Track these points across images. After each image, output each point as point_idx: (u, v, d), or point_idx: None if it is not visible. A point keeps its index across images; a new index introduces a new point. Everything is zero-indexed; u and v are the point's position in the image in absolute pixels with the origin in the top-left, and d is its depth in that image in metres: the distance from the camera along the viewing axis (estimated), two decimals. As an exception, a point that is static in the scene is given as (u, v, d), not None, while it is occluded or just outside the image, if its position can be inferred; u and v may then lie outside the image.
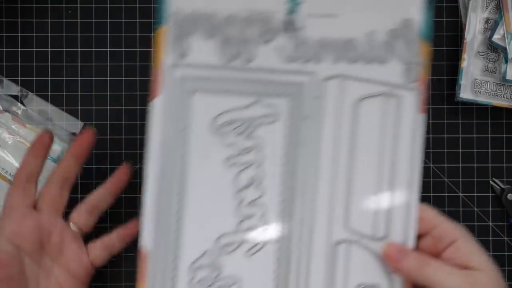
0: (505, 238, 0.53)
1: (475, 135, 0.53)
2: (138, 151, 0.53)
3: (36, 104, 0.53)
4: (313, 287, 0.40)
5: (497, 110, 0.53)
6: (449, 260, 0.39)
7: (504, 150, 0.53)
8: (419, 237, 0.40)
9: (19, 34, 0.53)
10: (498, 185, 0.53)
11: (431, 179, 0.53)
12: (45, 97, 0.53)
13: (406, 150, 0.40)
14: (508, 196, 0.52)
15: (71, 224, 0.46)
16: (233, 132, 0.40)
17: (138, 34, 0.53)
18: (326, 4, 0.40)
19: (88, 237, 0.48)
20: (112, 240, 0.47)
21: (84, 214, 0.46)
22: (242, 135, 0.40)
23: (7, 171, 0.52)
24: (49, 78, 0.53)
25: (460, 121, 0.53)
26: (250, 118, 0.40)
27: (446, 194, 0.53)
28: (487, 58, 0.52)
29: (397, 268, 0.39)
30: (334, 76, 0.40)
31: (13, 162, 0.52)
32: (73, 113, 0.53)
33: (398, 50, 0.40)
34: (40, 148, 0.45)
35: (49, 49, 0.53)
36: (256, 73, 0.40)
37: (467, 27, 0.51)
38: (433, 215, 0.41)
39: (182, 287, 0.40)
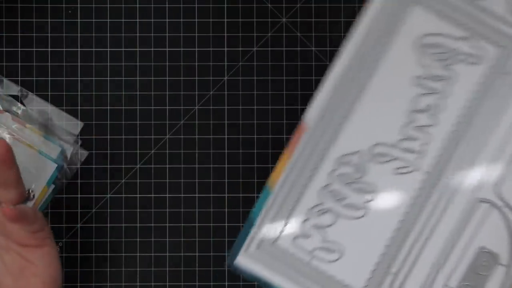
0: (505, 238, 0.53)
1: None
2: (138, 151, 0.53)
3: (36, 104, 0.53)
4: (438, 234, 0.40)
5: (497, 110, 0.53)
6: None
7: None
8: None
9: (19, 34, 0.53)
10: (498, 185, 0.53)
11: (431, 179, 0.53)
12: (45, 97, 0.53)
13: None
14: (508, 196, 0.52)
15: None
16: (433, 56, 0.41)
17: (138, 34, 0.53)
18: None
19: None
20: None
21: None
22: (441, 62, 0.41)
23: (7, 171, 0.52)
24: (49, 78, 0.53)
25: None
26: (455, 51, 0.41)
27: (446, 194, 0.53)
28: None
29: None
30: None
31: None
32: (73, 113, 0.53)
33: None
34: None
35: (49, 49, 0.53)
36: (481, 12, 0.41)
37: (467, 27, 0.51)
38: None
39: (322, 173, 0.41)
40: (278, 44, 0.53)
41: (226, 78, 0.53)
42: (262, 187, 0.53)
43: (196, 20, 0.53)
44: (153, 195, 0.53)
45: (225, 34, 0.53)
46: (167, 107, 0.53)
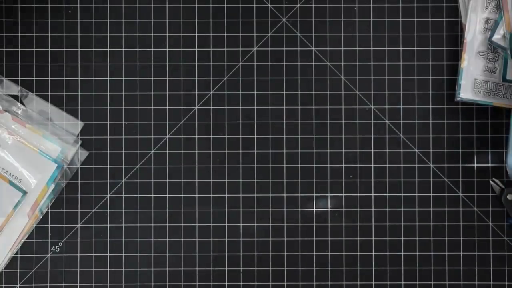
0: (505, 238, 0.53)
1: (475, 135, 0.53)
2: (138, 151, 0.53)
3: (36, 104, 0.53)
4: None
5: (497, 110, 0.53)
6: None
7: (504, 150, 0.53)
8: None
9: (19, 34, 0.53)
10: (498, 185, 0.53)
11: (431, 179, 0.53)
12: (45, 97, 0.53)
13: None
14: (508, 196, 0.52)
15: None
16: None
17: (138, 34, 0.53)
18: None
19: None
20: None
21: None
22: None
23: (7, 171, 0.52)
24: (49, 78, 0.53)
25: (460, 121, 0.53)
26: None
27: (446, 194, 0.53)
28: (487, 58, 0.52)
29: None
30: None
31: (13, 162, 0.52)
32: (73, 113, 0.53)
33: None
34: None
35: (49, 49, 0.53)
36: None
37: (467, 27, 0.51)
38: None
39: None
40: (278, 44, 0.53)
41: (226, 78, 0.53)
42: (262, 187, 0.53)
43: (196, 20, 0.53)
44: (153, 195, 0.53)
45: (225, 34, 0.53)
46: (167, 107, 0.53)
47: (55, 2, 0.53)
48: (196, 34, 0.53)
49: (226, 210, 0.53)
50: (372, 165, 0.53)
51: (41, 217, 0.52)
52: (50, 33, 0.53)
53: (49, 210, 0.53)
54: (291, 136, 0.53)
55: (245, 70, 0.53)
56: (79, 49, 0.53)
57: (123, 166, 0.53)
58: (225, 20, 0.53)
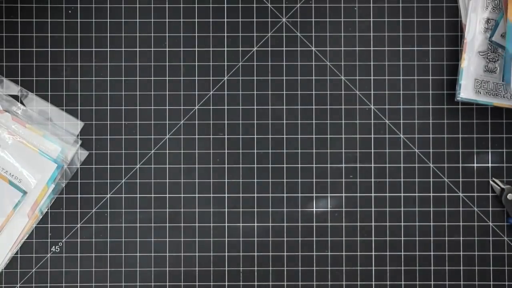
0: (505, 238, 0.53)
1: (475, 135, 0.53)
2: (138, 151, 0.53)
3: (36, 104, 0.53)
4: None
5: (497, 110, 0.53)
6: None
7: (504, 150, 0.53)
8: None
9: (19, 34, 0.53)
10: (498, 185, 0.53)
11: (431, 179, 0.53)
12: (45, 97, 0.53)
13: None
14: (508, 196, 0.52)
15: None
16: None
17: (138, 34, 0.53)
18: None
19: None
20: None
21: None
22: None
23: (7, 171, 0.52)
24: (49, 78, 0.53)
25: (460, 121, 0.53)
26: None
27: (446, 194, 0.53)
28: (487, 58, 0.52)
29: None
30: None
31: (13, 162, 0.52)
32: (73, 113, 0.53)
33: None
34: None
35: (49, 49, 0.53)
36: None
37: (467, 27, 0.51)
38: None
39: None
40: (278, 44, 0.53)
41: (226, 78, 0.53)
42: (262, 187, 0.53)
43: (196, 20, 0.53)
44: (153, 195, 0.53)
45: (225, 34, 0.53)
46: (167, 107, 0.53)
47: (55, 2, 0.53)
48: (196, 34, 0.53)
49: (226, 210, 0.53)
50: (372, 165, 0.53)
51: (41, 217, 0.52)
52: (50, 33, 0.53)
53: (49, 210, 0.53)
54: (291, 136, 0.53)
55: (245, 70, 0.53)
56: (79, 49, 0.53)
57: (123, 166, 0.53)
58: (225, 20, 0.53)
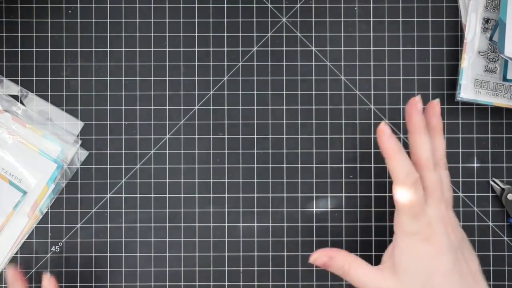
0: (505, 238, 0.53)
1: (475, 135, 0.53)
2: (138, 151, 0.53)
3: (36, 104, 0.53)
4: None
5: (497, 110, 0.53)
6: None
7: (504, 150, 0.53)
8: None
9: (19, 34, 0.53)
10: (498, 185, 0.53)
11: (431, 179, 0.53)
12: (45, 97, 0.53)
13: None
14: (508, 196, 0.52)
15: None
16: None
17: (138, 34, 0.53)
18: None
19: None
20: None
21: None
22: None
23: (7, 171, 0.52)
24: (49, 78, 0.53)
25: (460, 121, 0.53)
26: None
27: (446, 194, 0.53)
28: (487, 58, 0.52)
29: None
30: None
31: (13, 162, 0.52)
32: (73, 113, 0.53)
33: None
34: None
35: (49, 49, 0.53)
36: None
37: (467, 27, 0.51)
38: None
39: None
40: (278, 44, 0.53)
41: (226, 78, 0.53)
42: (262, 187, 0.53)
43: (196, 20, 0.53)
44: (153, 195, 0.53)
45: (225, 34, 0.53)
46: (167, 107, 0.53)
47: (55, 2, 0.53)
48: (196, 34, 0.53)
49: (226, 210, 0.53)
50: (372, 165, 0.53)
51: (41, 217, 0.52)
52: (50, 33, 0.53)
53: (49, 210, 0.53)
54: (291, 136, 0.53)
55: (245, 70, 0.53)
56: (79, 49, 0.53)
57: (123, 166, 0.53)
58: (225, 20, 0.53)
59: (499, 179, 0.53)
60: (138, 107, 0.53)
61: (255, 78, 0.53)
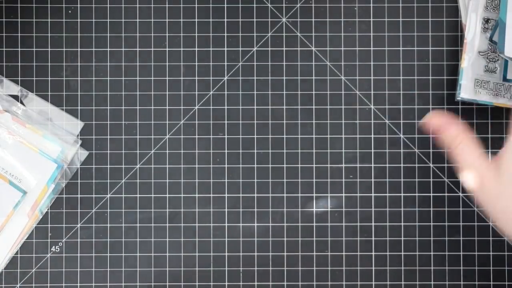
0: (505, 238, 0.53)
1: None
2: (138, 151, 0.53)
3: (36, 104, 0.53)
4: None
5: (497, 110, 0.53)
6: None
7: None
8: None
9: (19, 34, 0.53)
10: (498, 185, 0.53)
11: (431, 179, 0.53)
12: (45, 97, 0.53)
13: None
14: (508, 196, 0.52)
15: None
16: None
17: (138, 34, 0.53)
18: None
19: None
20: None
21: None
22: None
23: (7, 171, 0.52)
24: (49, 78, 0.53)
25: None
26: None
27: (446, 194, 0.53)
28: (487, 58, 0.52)
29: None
30: None
31: (13, 162, 0.52)
32: (73, 113, 0.53)
33: None
34: None
35: (49, 49, 0.53)
36: None
37: (467, 27, 0.51)
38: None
39: None
40: (278, 44, 0.53)
41: (226, 78, 0.53)
42: (262, 187, 0.53)
43: (196, 20, 0.53)
44: (153, 195, 0.53)
45: (225, 34, 0.53)
46: (167, 107, 0.53)
47: (55, 2, 0.53)
48: (196, 34, 0.53)
49: (226, 210, 0.53)
50: (372, 165, 0.53)
51: (41, 217, 0.52)
52: (50, 33, 0.53)
53: (49, 210, 0.53)
54: (291, 136, 0.53)
55: (245, 70, 0.53)
56: (79, 49, 0.53)
57: (123, 166, 0.53)
58: (225, 20, 0.53)
59: (499, 179, 0.53)
60: (138, 107, 0.53)
61: (255, 78, 0.53)
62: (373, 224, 0.53)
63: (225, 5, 0.53)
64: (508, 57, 0.48)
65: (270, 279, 0.53)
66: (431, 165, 0.53)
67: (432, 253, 0.53)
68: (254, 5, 0.53)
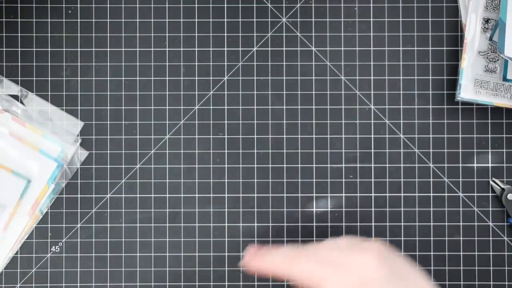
0: (505, 238, 0.53)
1: (475, 135, 0.53)
2: (138, 151, 0.53)
3: (36, 104, 0.53)
4: None
5: (497, 110, 0.53)
6: None
7: (504, 150, 0.53)
8: None
9: (19, 34, 0.53)
10: (498, 185, 0.53)
11: (431, 179, 0.53)
12: (45, 97, 0.53)
13: None
14: (508, 196, 0.52)
15: None
16: None
17: (138, 34, 0.53)
18: None
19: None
20: None
21: None
22: None
23: (9, 165, 0.52)
24: (49, 78, 0.53)
25: (460, 121, 0.53)
26: None
27: (446, 194, 0.53)
28: (487, 58, 0.52)
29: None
30: None
31: (14, 155, 0.52)
32: (73, 113, 0.53)
33: None
34: None
35: (49, 49, 0.53)
36: None
37: (467, 27, 0.51)
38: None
39: None
40: (278, 44, 0.53)
41: (226, 78, 0.53)
42: (262, 187, 0.53)
43: (196, 20, 0.53)
44: (153, 195, 0.53)
45: (225, 34, 0.53)
46: (167, 107, 0.53)
47: (55, 2, 0.53)
48: (196, 34, 0.53)
49: (226, 210, 0.53)
50: (372, 165, 0.53)
51: (41, 217, 0.52)
52: (50, 33, 0.53)
53: (49, 210, 0.53)
54: (291, 136, 0.53)
55: (245, 70, 0.53)
56: (79, 49, 0.53)
57: (123, 166, 0.53)
58: (225, 20, 0.53)
59: (499, 179, 0.53)
60: (138, 107, 0.53)
61: (255, 78, 0.53)
62: (373, 224, 0.53)
63: (225, 5, 0.53)
64: (508, 57, 0.48)
65: (270, 279, 0.53)
66: (431, 165, 0.53)
67: (432, 253, 0.53)
68: (254, 5, 0.53)
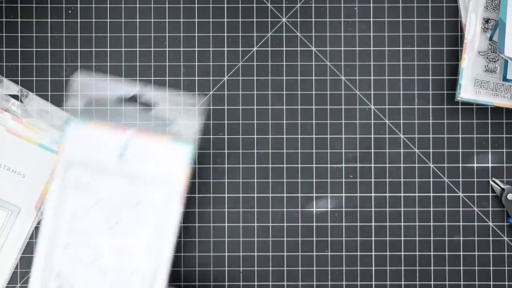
0: (505, 238, 0.53)
1: (475, 135, 0.53)
2: (138, 151, 0.53)
3: (36, 104, 0.53)
4: None
5: (497, 110, 0.53)
6: None
7: (504, 150, 0.53)
8: None
9: (19, 34, 0.53)
10: (498, 185, 0.53)
11: (431, 179, 0.53)
12: (45, 97, 0.53)
13: None
14: (508, 196, 0.52)
15: None
16: None
17: (138, 34, 0.53)
18: None
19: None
20: None
21: None
22: None
23: (5, 166, 0.52)
24: (49, 78, 0.53)
25: (460, 121, 0.53)
26: None
27: (446, 194, 0.53)
28: (487, 58, 0.52)
29: None
30: None
31: (13, 161, 0.52)
32: (73, 113, 0.53)
33: None
34: None
35: (49, 49, 0.53)
36: None
37: (467, 27, 0.51)
38: None
39: None
40: (278, 44, 0.53)
41: (226, 78, 0.53)
42: (262, 187, 0.53)
43: (196, 20, 0.53)
44: (153, 195, 0.53)
45: (225, 34, 0.53)
46: (167, 107, 0.53)
47: (55, 2, 0.53)
48: (196, 34, 0.53)
49: (226, 210, 0.53)
50: (372, 165, 0.53)
51: (41, 217, 0.52)
52: (50, 33, 0.53)
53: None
54: (291, 136, 0.53)
55: (245, 70, 0.53)
56: (79, 49, 0.53)
57: (123, 166, 0.53)
58: (225, 20, 0.53)
59: (499, 179, 0.53)
60: (138, 107, 0.53)
61: (255, 78, 0.53)
62: (373, 224, 0.53)
63: (225, 5, 0.53)
64: (508, 57, 0.48)
65: (270, 279, 0.53)
66: (431, 165, 0.53)
67: (432, 253, 0.53)
68: (254, 5, 0.53)
